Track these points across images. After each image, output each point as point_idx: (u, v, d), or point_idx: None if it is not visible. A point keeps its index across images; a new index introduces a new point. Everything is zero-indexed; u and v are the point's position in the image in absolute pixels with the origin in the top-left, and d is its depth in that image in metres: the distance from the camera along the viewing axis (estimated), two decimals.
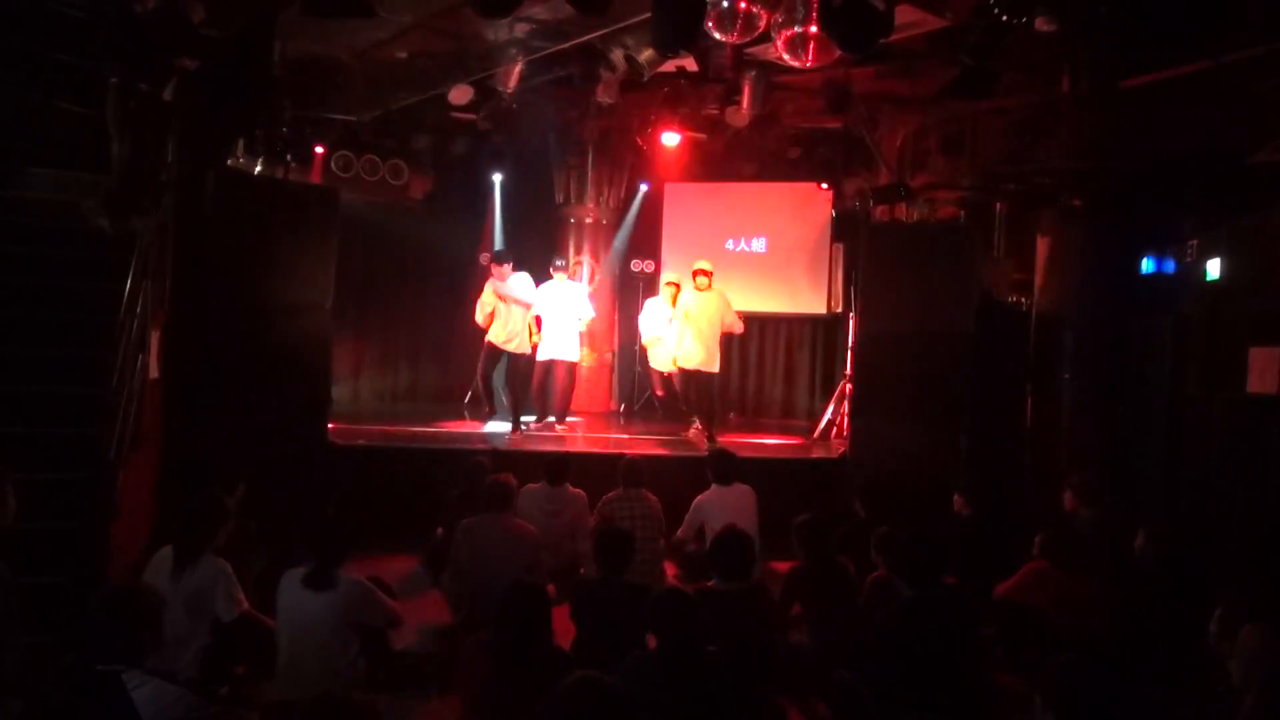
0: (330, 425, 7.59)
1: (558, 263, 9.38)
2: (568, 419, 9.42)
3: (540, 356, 9.05)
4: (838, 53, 6.06)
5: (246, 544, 4.81)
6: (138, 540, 5.40)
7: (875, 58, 7.24)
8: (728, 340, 9.07)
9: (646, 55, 7.31)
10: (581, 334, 9.39)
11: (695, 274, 8.61)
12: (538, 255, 9.76)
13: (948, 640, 3.71)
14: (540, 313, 9.01)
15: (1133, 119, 6.74)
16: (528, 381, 9.07)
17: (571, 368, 9.27)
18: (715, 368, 8.72)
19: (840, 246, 10.61)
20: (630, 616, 3.93)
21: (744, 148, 10.21)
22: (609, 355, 11.34)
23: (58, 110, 6.25)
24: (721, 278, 8.97)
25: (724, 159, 10.70)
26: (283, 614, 4.06)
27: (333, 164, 9.50)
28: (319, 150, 9.07)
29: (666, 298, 9.07)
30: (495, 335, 8.80)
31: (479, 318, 8.90)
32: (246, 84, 6.98)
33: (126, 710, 2.66)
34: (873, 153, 8.95)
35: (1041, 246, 7.95)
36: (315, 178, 8.99)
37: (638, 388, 10.99)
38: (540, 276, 9.12)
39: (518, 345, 8.83)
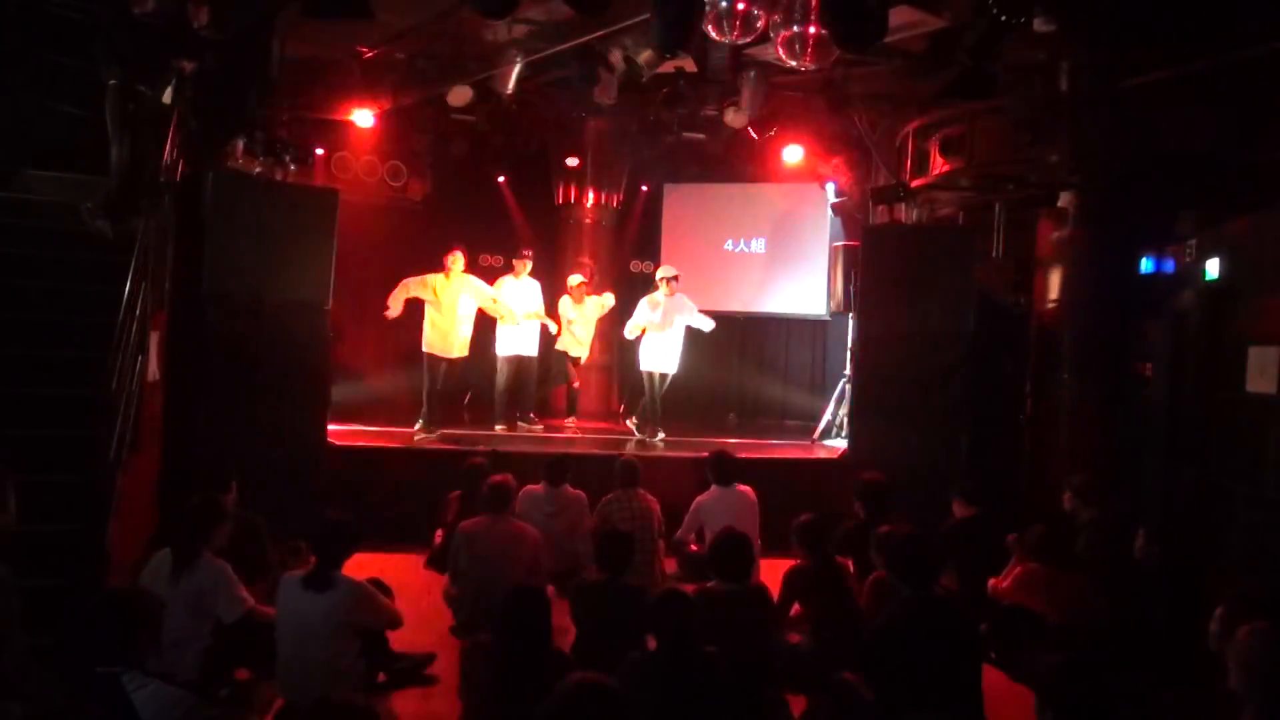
0: (330, 425, 7.60)
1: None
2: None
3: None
4: (837, 53, 6.07)
5: (256, 541, 4.81)
6: (138, 542, 5.40)
7: (875, 58, 7.24)
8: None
9: (645, 56, 7.31)
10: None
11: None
12: (537, 255, 9.74)
13: (948, 640, 3.70)
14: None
15: (1132, 119, 6.73)
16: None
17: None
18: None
19: (840, 247, 10.59)
20: (630, 617, 3.93)
21: (744, 148, 10.20)
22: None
23: (57, 112, 6.25)
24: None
25: (723, 159, 10.69)
26: (282, 616, 4.05)
27: (332, 165, 9.50)
28: (318, 151, 9.07)
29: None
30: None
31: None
32: (246, 85, 6.99)
33: (127, 712, 2.66)
34: (872, 153, 8.95)
35: (1040, 247, 7.95)
36: (314, 179, 8.98)
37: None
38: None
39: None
